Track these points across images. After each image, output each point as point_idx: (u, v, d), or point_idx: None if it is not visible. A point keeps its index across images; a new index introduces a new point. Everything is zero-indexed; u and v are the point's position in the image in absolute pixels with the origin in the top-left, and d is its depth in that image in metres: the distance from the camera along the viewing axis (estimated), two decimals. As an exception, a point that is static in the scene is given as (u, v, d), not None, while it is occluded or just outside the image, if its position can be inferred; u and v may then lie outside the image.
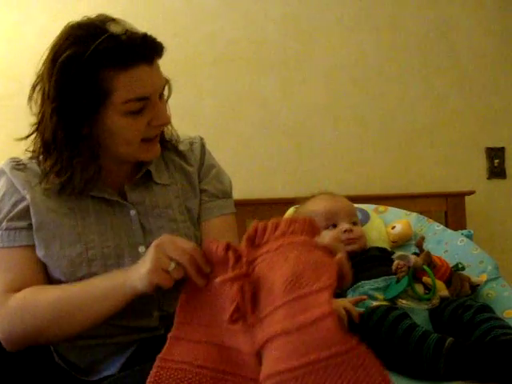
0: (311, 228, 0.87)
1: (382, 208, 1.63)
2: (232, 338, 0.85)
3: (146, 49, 0.99)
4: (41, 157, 1.06)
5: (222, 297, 0.87)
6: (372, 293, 1.20)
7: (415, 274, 1.18)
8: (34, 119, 1.05)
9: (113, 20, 1.00)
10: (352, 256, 1.33)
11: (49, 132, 1.01)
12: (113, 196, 1.10)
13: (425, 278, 1.19)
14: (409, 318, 1.05)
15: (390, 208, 1.63)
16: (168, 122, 1.09)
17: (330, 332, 0.69)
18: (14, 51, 2.21)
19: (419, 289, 1.17)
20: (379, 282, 1.21)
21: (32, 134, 1.06)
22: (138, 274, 0.93)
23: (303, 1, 2.38)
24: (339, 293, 1.18)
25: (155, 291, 0.93)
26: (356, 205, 1.52)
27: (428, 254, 1.22)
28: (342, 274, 0.81)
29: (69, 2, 2.24)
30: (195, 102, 2.29)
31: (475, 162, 2.44)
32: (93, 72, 0.97)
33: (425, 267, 1.18)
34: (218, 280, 0.84)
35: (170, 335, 0.90)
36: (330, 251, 0.83)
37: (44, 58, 1.02)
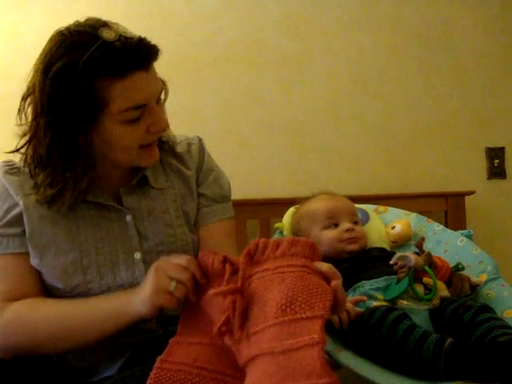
0: (312, 252, 0.87)
1: (381, 208, 1.63)
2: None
3: (141, 54, 0.95)
4: (33, 169, 1.03)
5: (217, 308, 0.87)
6: (372, 293, 1.19)
7: (416, 275, 1.18)
8: (20, 129, 1.01)
9: (104, 24, 0.95)
10: (353, 256, 1.34)
11: (42, 147, 0.98)
12: (108, 201, 1.08)
13: (425, 279, 1.19)
14: (408, 319, 1.05)
15: (389, 208, 1.63)
16: (166, 127, 1.06)
17: (313, 361, 0.69)
18: (13, 51, 2.21)
19: (419, 289, 1.17)
20: (379, 282, 1.21)
21: (23, 147, 1.02)
22: (140, 299, 0.93)
23: (303, 1, 2.37)
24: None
25: (160, 312, 0.93)
26: (356, 205, 1.52)
27: (429, 255, 1.21)
28: (337, 300, 0.82)
29: (68, 1, 2.24)
30: (195, 101, 2.29)
31: (475, 162, 2.44)
32: (87, 82, 0.93)
33: (426, 268, 1.18)
34: (211, 292, 0.84)
35: (171, 340, 0.90)
36: (327, 278, 0.83)
37: (34, 69, 0.97)
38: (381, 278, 1.21)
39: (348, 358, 1.05)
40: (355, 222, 1.41)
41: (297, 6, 2.37)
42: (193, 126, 2.06)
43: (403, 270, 1.19)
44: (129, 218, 1.08)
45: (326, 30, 2.38)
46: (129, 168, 1.11)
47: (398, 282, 1.18)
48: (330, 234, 1.37)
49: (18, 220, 1.04)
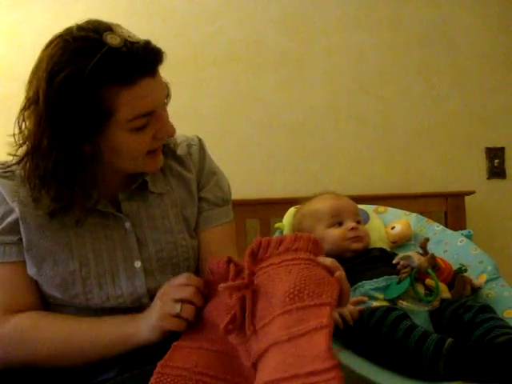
0: (315, 247, 0.86)
1: (381, 208, 1.63)
2: (234, 349, 0.85)
3: (148, 60, 0.92)
4: (36, 184, 0.97)
5: (221, 308, 0.87)
6: (372, 293, 1.19)
7: (418, 276, 1.18)
8: (12, 138, 0.96)
9: (108, 28, 0.91)
10: (354, 256, 1.34)
11: (47, 160, 0.93)
12: (107, 208, 1.04)
13: (428, 280, 1.18)
14: (408, 319, 1.05)
15: (389, 208, 1.63)
16: (174, 133, 1.02)
17: (319, 343, 0.68)
18: (13, 51, 2.21)
19: (421, 290, 1.17)
20: (380, 282, 1.21)
21: (22, 159, 0.97)
22: (148, 326, 0.93)
23: (303, 1, 2.38)
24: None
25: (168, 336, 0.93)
26: (356, 205, 1.52)
27: (433, 257, 1.20)
28: (342, 292, 0.82)
29: (68, 1, 2.24)
30: (195, 101, 2.29)
31: (475, 162, 2.44)
32: (94, 91, 0.89)
33: (429, 270, 1.17)
34: (221, 286, 0.84)
35: (173, 344, 0.90)
36: (330, 271, 0.83)
37: (36, 77, 0.92)
38: (381, 278, 1.21)
39: (348, 358, 1.05)
40: (358, 222, 1.42)
41: (297, 6, 2.37)
42: (193, 126, 2.06)
43: (406, 270, 1.19)
44: (128, 225, 1.05)
45: (325, 30, 2.38)
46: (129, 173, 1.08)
47: (400, 281, 1.18)
48: (335, 233, 1.37)
49: (14, 227, 1.00)
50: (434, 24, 2.43)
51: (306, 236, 0.87)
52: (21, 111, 0.95)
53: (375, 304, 1.15)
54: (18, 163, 0.99)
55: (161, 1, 2.30)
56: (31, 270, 1.00)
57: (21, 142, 0.97)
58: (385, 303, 1.16)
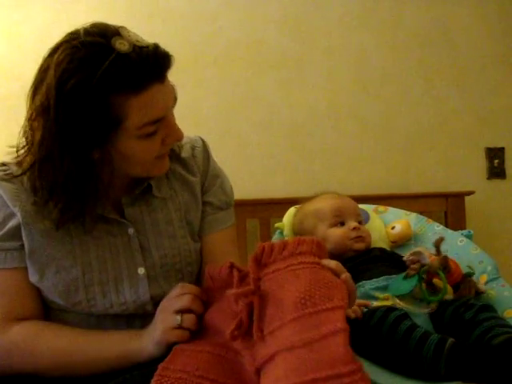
0: (319, 249, 0.86)
1: (381, 208, 1.63)
2: (237, 355, 0.85)
3: (157, 66, 0.91)
4: (44, 194, 0.95)
5: (225, 314, 0.87)
6: (372, 292, 1.19)
7: (427, 274, 1.16)
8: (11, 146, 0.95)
9: (116, 33, 0.89)
10: (355, 256, 1.34)
11: (58, 172, 0.91)
12: (110, 213, 1.03)
13: (435, 280, 1.17)
14: (409, 319, 1.05)
15: (389, 208, 1.63)
16: (182, 138, 1.01)
17: (337, 348, 0.68)
18: (13, 51, 2.21)
19: (425, 289, 1.16)
20: (379, 282, 1.21)
21: (27, 171, 0.95)
22: (152, 342, 0.93)
23: (304, 1, 2.38)
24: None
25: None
26: (356, 205, 1.52)
27: (445, 258, 1.19)
28: (349, 293, 0.82)
29: (68, 1, 2.24)
30: (195, 101, 2.29)
31: (475, 162, 2.44)
32: (103, 98, 0.87)
33: (439, 272, 1.16)
34: (229, 292, 0.84)
35: (174, 347, 0.90)
36: (336, 274, 0.84)
37: (45, 85, 0.89)
38: (381, 278, 1.21)
39: (348, 358, 1.05)
40: (359, 222, 1.42)
41: (297, 5, 2.37)
42: (193, 126, 2.05)
43: (414, 266, 1.17)
44: (131, 231, 1.04)
45: (326, 30, 2.38)
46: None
47: (406, 277, 1.17)
48: (338, 232, 1.37)
49: (16, 233, 0.98)
50: (435, 24, 2.43)
51: (309, 239, 0.87)
52: (28, 121, 0.93)
53: (375, 304, 1.15)
54: (23, 173, 0.96)
55: (161, 1, 2.30)
56: (33, 277, 0.99)
57: (26, 151, 0.95)
58: (385, 303, 1.16)
